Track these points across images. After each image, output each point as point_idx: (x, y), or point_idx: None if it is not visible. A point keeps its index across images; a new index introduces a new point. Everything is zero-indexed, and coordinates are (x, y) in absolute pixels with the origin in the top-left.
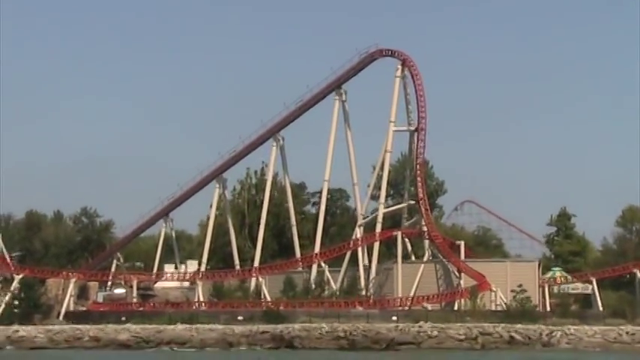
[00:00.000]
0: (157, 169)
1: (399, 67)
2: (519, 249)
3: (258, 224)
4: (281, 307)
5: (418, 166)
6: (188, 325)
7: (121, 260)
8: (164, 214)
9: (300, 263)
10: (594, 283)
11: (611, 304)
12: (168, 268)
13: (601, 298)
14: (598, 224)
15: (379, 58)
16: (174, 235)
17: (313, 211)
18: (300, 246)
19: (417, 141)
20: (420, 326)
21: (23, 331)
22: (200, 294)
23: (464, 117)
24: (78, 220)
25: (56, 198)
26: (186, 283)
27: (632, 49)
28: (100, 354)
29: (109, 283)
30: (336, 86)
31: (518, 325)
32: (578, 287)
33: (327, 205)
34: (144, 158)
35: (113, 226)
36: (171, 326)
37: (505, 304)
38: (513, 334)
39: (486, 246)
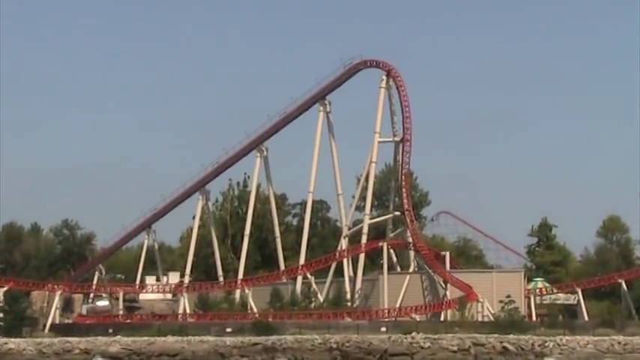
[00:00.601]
0: (137, 180)
1: (384, 77)
2: (495, 260)
3: (241, 236)
4: (270, 319)
5: (403, 177)
6: (179, 337)
7: (103, 272)
8: (147, 225)
9: (288, 275)
10: (579, 293)
11: (595, 315)
12: (150, 280)
13: (587, 309)
14: (578, 235)
15: (364, 68)
16: (156, 246)
17: (294, 222)
18: (284, 258)
19: (402, 152)
20: (412, 337)
21: (12, 343)
22: (187, 306)
23: (444, 128)
24: (59, 232)
25: (35, 209)
26: (169, 295)
27: (616, 63)
28: None
29: (92, 295)
30: (320, 97)
31: (511, 336)
32: (560, 297)
33: (305, 216)
34: (124, 169)
35: (94, 238)
36: (162, 338)
37: (493, 314)
38: (506, 344)
39: (467, 257)
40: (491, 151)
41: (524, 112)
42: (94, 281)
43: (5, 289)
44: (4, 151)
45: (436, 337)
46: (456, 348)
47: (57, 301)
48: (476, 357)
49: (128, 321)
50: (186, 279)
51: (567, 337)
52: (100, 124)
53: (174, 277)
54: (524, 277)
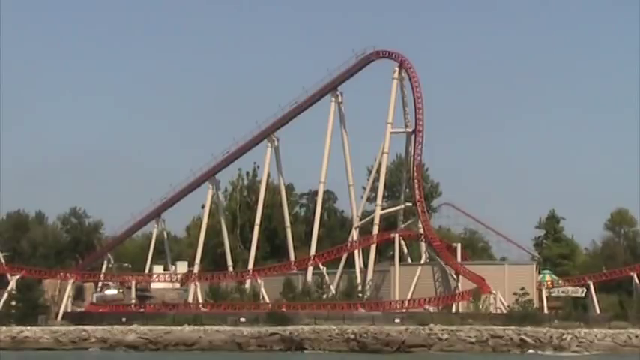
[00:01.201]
0: (147, 169)
1: (397, 68)
2: (497, 252)
3: (250, 226)
4: (283, 309)
5: (415, 168)
6: (195, 327)
7: (112, 261)
8: (156, 215)
9: (299, 265)
10: (591, 286)
11: (605, 307)
12: (157, 269)
13: (598, 301)
14: (586, 228)
15: (376, 59)
16: (165, 235)
17: (302, 213)
18: (296, 249)
19: (415, 143)
20: (430, 328)
21: (28, 331)
22: (199, 295)
23: (452, 119)
24: (66, 221)
25: (42, 197)
26: (177, 285)
27: (623, 52)
28: (110, 355)
29: (100, 284)
30: (332, 88)
31: (528, 328)
32: (567, 290)
33: (315, 207)
34: (133, 158)
35: (102, 227)
36: (179, 327)
37: (507, 306)
38: (524, 336)
39: (473, 248)
40: (500, 143)
41: (534, 104)
42: (103, 270)
43: (18, 277)
44: (6, 140)
45: (453, 328)
46: (474, 339)
47: (69, 290)
48: (494, 349)
49: (141, 310)
50: (196, 268)
51: (585, 330)
52: (106, 112)
53: (182, 267)
54: (537, 269)
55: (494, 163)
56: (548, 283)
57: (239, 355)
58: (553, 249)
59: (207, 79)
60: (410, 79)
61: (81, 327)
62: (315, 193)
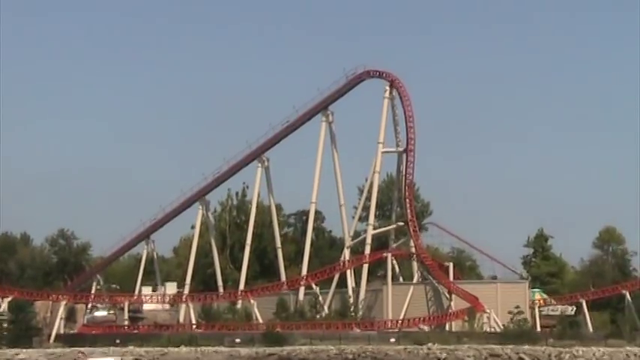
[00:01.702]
0: (135, 189)
1: (387, 88)
2: (483, 270)
3: (240, 246)
4: (278, 329)
5: (407, 187)
6: (192, 347)
7: (101, 282)
8: (145, 235)
9: (292, 285)
10: (584, 304)
11: (597, 326)
12: (146, 290)
13: (591, 320)
14: (574, 246)
15: (367, 79)
16: (155, 256)
17: (290, 232)
18: (286, 268)
19: (406, 162)
20: (428, 348)
21: (24, 354)
22: (192, 315)
23: (442, 137)
24: (54, 242)
25: (28, 218)
26: (167, 306)
27: (607, 71)
28: None
29: (89, 305)
30: (322, 107)
31: (526, 347)
32: (557, 309)
33: (303, 227)
34: (121, 177)
35: (90, 248)
36: (175, 349)
37: (503, 325)
38: (522, 355)
39: (461, 267)
40: (487, 160)
41: (522, 122)
42: (92, 291)
43: (10, 299)
44: None
45: (452, 347)
46: (472, 359)
47: (62, 311)
48: None
49: (135, 331)
50: (187, 289)
51: (583, 348)
52: (92, 131)
53: (171, 288)
54: (529, 288)
55: (483, 181)
56: (540, 301)
57: None
58: (542, 267)
59: (197, 99)
60: (401, 98)
61: (77, 348)
62: (304, 213)
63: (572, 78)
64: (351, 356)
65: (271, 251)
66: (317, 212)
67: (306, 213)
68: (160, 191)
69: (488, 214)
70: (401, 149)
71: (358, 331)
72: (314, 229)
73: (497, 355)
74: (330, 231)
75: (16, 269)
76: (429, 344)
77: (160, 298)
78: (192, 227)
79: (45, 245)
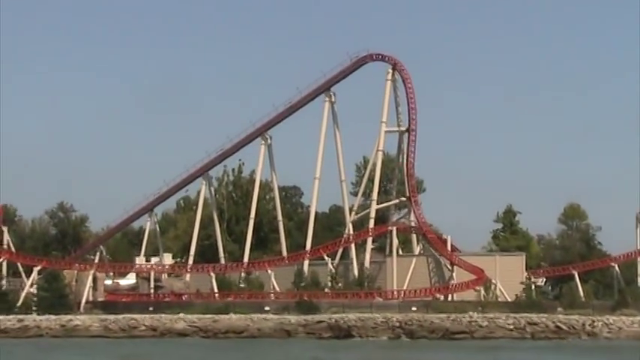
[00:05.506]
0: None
1: (390, 70)
2: None
3: (236, 219)
4: (305, 298)
5: (409, 164)
6: (242, 315)
7: (104, 253)
8: (149, 209)
9: (311, 255)
10: (576, 275)
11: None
12: (139, 261)
13: (584, 291)
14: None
15: (370, 62)
16: (158, 229)
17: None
18: (276, 241)
19: (408, 141)
20: (470, 316)
21: (78, 320)
22: (214, 285)
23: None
24: (54, 215)
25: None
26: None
27: (583, 54)
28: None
29: (111, 274)
30: (325, 88)
31: (561, 316)
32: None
33: (312, 201)
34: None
35: (88, 221)
36: (226, 316)
37: (516, 295)
38: (559, 323)
39: None
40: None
41: (490, 102)
42: (95, 261)
43: (39, 268)
44: None
45: (492, 316)
46: (512, 327)
47: (90, 280)
48: (533, 335)
49: (167, 299)
50: (191, 260)
51: (614, 317)
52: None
53: (167, 259)
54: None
55: (455, 161)
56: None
57: (294, 341)
58: (510, 241)
59: (202, 79)
60: (403, 81)
61: (129, 315)
62: (292, 189)
63: (541, 61)
64: (397, 324)
65: (266, 224)
66: (295, 188)
67: (283, 189)
68: (163, 167)
69: (460, 192)
70: (403, 129)
71: (380, 300)
72: (292, 204)
73: (535, 323)
74: (308, 206)
75: (17, 240)
76: (471, 312)
77: (177, 268)
78: (183, 200)
79: (44, 218)
